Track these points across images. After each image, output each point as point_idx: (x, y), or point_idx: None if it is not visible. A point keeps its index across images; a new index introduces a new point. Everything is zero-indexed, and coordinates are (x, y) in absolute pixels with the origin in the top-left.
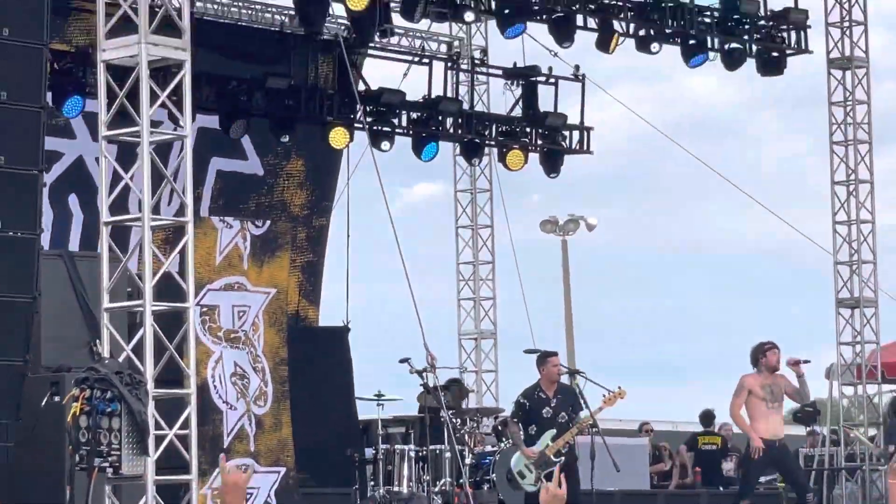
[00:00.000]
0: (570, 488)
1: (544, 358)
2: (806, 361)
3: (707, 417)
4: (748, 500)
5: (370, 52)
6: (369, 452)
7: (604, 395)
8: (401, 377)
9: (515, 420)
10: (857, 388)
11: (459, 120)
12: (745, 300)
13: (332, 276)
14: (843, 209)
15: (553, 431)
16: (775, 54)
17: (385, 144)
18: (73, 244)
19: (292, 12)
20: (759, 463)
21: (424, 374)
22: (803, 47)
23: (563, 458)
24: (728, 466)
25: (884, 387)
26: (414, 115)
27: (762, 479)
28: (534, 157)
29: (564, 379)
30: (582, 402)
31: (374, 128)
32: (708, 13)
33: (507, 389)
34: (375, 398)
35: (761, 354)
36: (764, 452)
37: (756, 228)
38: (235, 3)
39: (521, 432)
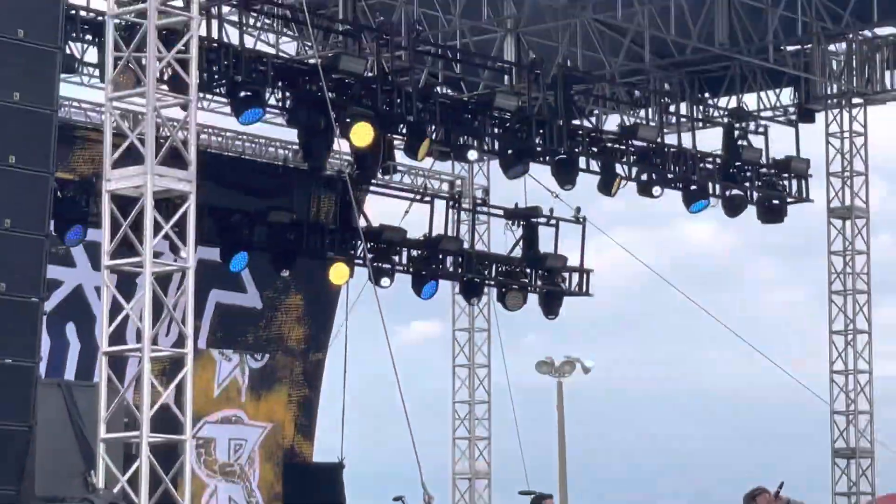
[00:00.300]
0: None
1: (539, 501)
2: (780, 486)
3: None
4: None
5: (372, 188)
6: None
7: None
8: None
9: None
10: None
11: (460, 259)
12: (741, 447)
13: (327, 414)
14: (841, 359)
15: None
16: (776, 202)
17: (385, 281)
18: (70, 373)
19: (296, 147)
20: None
21: None
22: (804, 196)
23: None
24: None
25: None
26: (414, 253)
27: None
28: (532, 297)
29: None
30: None
31: (375, 264)
32: (710, 159)
33: None
34: None
35: (752, 501)
36: None
37: (754, 376)
38: (240, 137)
39: None
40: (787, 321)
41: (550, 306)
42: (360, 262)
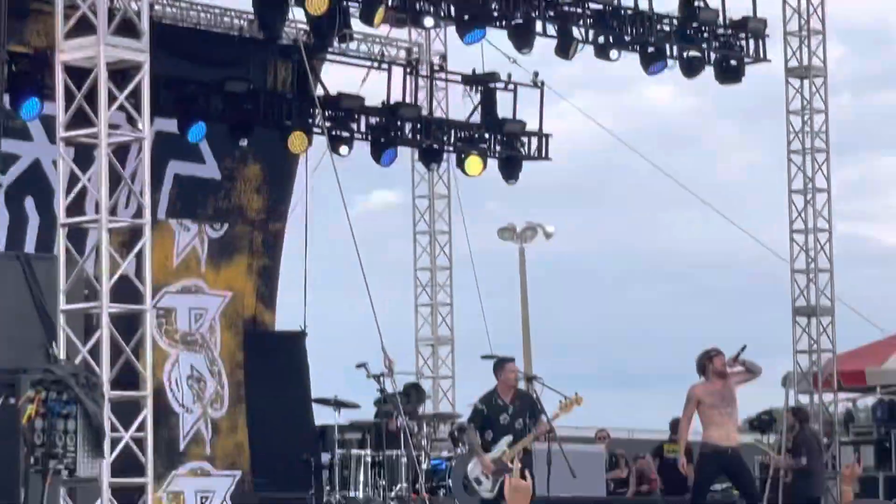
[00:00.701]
0: None
1: (501, 364)
2: (741, 349)
3: (675, 426)
4: None
5: (329, 56)
6: (325, 457)
7: (560, 402)
8: (358, 383)
9: (472, 425)
10: (814, 397)
11: (418, 125)
12: (703, 308)
13: (288, 283)
14: (801, 218)
15: (510, 437)
16: (734, 62)
17: (343, 149)
18: (30, 247)
19: (251, 16)
20: (709, 470)
21: (381, 379)
22: (761, 56)
23: (519, 465)
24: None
25: (840, 395)
26: (373, 121)
27: (718, 486)
28: (492, 163)
29: (521, 385)
30: (539, 408)
31: (333, 132)
32: (667, 20)
33: (463, 396)
34: (332, 402)
35: (707, 361)
36: (714, 459)
37: (714, 237)
38: (195, 7)
39: (478, 438)
40: (747, 183)
41: (510, 171)
42: (319, 130)
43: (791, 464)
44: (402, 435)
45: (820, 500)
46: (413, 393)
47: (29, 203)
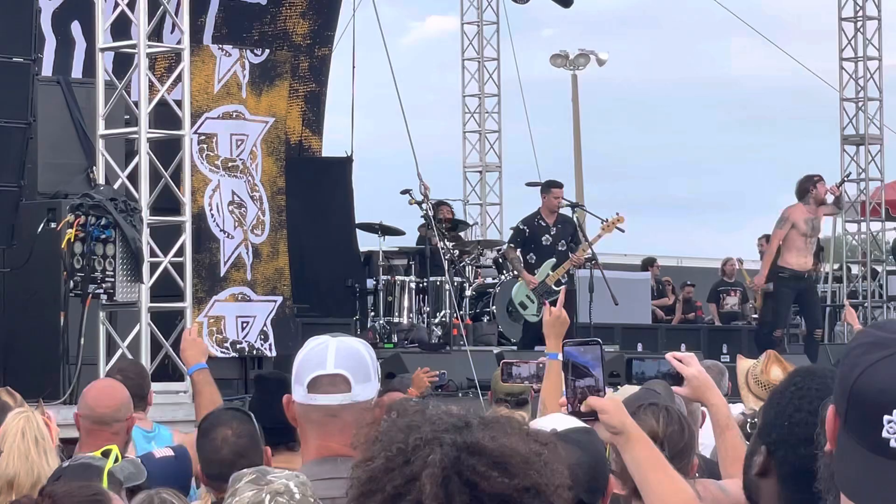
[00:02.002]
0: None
1: (548, 187)
2: (846, 177)
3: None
4: (781, 330)
5: None
6: (370, 283)
7: (602, 223)
8: (402, 209)
9: (513, 246)
10: (861, 226)
11: None
12: (754, 137)
13: (336, 110)
14: (851, 46)
15: (553, 260)
16: None
17: None
18: (76, 72)
19: None
20: (787, 293)
21: (425, 206)
22: None
23: (563, 286)
24: (731, 301)
25: (887, 224)
26: None
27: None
28: None
29: (565, 211)
30: (581, 233)
31: None
32: None
33: (511, 223)
34: (377, 227)
35: (811, 186)
36: (793, 285)
37: (765, 65)
38: None
39: (520, 258)
40: (797, 10)
41: None
42: None
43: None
44: (443, 258)
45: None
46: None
47: (76, 27)
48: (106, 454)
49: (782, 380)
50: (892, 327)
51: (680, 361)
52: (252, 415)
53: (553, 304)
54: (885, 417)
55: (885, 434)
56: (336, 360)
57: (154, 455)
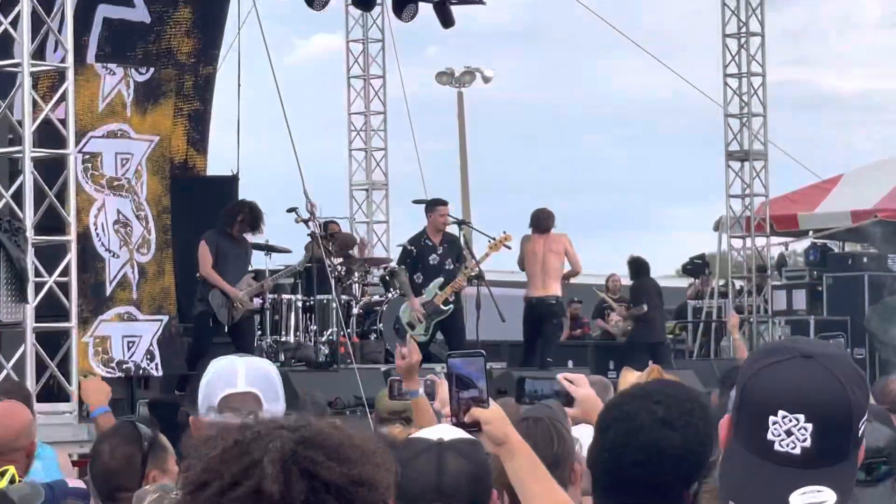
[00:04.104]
0: (455, 337)
1: (434, 205)
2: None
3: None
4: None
5: None
6: (257, 302)
7: (489, 242)
8: (288, 227)
9: (402, 267)
10: (747, 241)
11: None
12: (638, 152)
13: (220, 128)
14: (734, 62)
15: (441, 280)
16: None
17: None
18: None
19: None
20: None
21: (311, 224)
22: None
23: (451, 307)
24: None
25: (772, 239)
26: None
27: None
28: (425, 7)
29: (452, 229)
30: (466, 251)
31: None
32: None
33: (398, 241)
34: (264, 246)
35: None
36: None
37: (649, 81)
38: None
39: (408, 280)
40: (680, 27)
41: (445, 15)
42: None
43: (632, 311)
44: (331, 278)
45: (661, 345)
46: (339, 237)
47: None
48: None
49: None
50: (795, 341)
51: (571, 382)
52: (143, 434)
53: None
54: (770, 418)
55: (769, 436)
56: (247, 379)
57: (67, 483)
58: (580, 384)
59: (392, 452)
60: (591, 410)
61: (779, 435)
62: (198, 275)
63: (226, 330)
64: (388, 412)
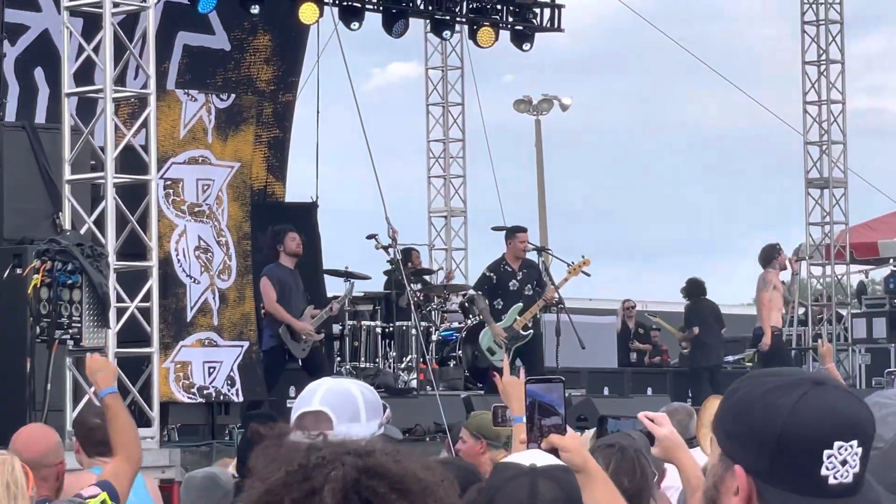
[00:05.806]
0: (534, 364)
1: (513, 232)
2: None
3: None
4: None
5: None
6: (336, 328)
7: (568, 266)
8: (368, 254)
9: (481, 293)
10: (826, 269)
11: None
12: (717, 181)
13: (299, 155)
14: (814, 89)
15: (520, 305)
16: None
17: (354, 24)
18: (40, 117)
19: None
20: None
21: (392, 250)
22: None
23: (531, 332)
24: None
25: (852, 267)
26: None
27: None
28: (504, 34)
29: (531, 256)
30: (546, 277)
31: (344, 3)
32: None
33: (476, 268)
34: (343, 273)
35: (776, 253)
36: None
37: (729, 110)
38: None
39: (487, 305)
40: (762, 55)
41: (522, 41)
42: (329, 0)
43: (685, 335)
44: (410, 306)
45: (717, 368)
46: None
47: (38, 73)
48: None
49: None
50: (777, 372)
51: (652, 421)
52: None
53: (500, 371)
54: (826, 452)
55: (823, 471)
56: (322, 399)
57: (83, 495)
58: (662, 423)
59: (484, 479)
60: (673, 449)
61: (834, 468)
62: (263, 311)
63: (299, 364)
64: (494, 437)
